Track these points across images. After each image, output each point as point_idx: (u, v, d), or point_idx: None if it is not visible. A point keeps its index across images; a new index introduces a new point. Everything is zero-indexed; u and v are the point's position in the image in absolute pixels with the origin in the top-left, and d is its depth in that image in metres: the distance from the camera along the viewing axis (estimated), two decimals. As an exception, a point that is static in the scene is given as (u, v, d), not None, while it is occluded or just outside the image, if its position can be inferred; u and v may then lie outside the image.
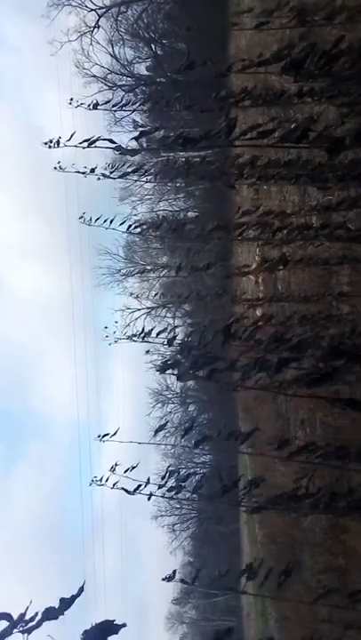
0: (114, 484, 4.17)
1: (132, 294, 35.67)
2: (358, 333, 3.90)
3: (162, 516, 41.08)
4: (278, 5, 4.65)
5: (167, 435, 34.46)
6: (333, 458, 3.74)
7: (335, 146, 3.19)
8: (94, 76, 31.42)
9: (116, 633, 1.75)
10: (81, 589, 1.77)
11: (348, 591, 3.83)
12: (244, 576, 3.77)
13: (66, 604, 1.74)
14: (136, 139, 4.32)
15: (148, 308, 37.90)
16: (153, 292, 36.39)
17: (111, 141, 4.24)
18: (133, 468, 4.15)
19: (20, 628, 1.71)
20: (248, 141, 3.61)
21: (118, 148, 4.30)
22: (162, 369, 3.85)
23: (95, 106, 4.48)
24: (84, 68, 31.32)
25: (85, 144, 4.03)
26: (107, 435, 4.76)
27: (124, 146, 4.36)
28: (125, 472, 4.12)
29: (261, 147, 3.54)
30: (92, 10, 30.20)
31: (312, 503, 3.56)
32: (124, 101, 4.59)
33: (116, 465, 4.25)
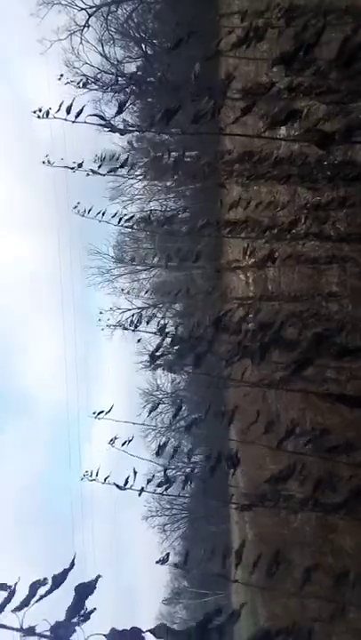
0: (105, 479, 4.14)
1: (123, 290, 35.73)
2: (347, 332, 3.93)
3: (152, 516, 41.05)
4: (268, 6, 4.67)
5: (157, 435, 34.45)
6: (323, 455, 3.75)
7: (325, 140, 3.21)
8: (84, 75, 31.33)
9: (92, 592, 1.68)
10: (72, 563, 1.73)
11: (337, 590, 3.84)
12: (229, 559, 3.75)
13: (59, 579, 1.67)
14: (118, 113, 4.24)
15: (138, 308, 37.83)
16: (143, 292, 36.43)
17: (101, 117, 4.17)
18: (130, 441, 4.10)
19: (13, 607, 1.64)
20: (236, 126, 3.60)
21: (108, 125, 4.24)
22: (151, 358, 3.84)
23: (85, 84, 4.45)
24: (74, 67, 31.26)
25: (73, 117, 3.94)
26: (102, 412, 4.59)
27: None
28: (123, 445, 4.09)
29: (251, 137, 3.54)
30: (82, 9, 30.13)
31: (301, 500, 3.57)
32: (112, 83, 4.55)
33: (115, 438, 4.19)
